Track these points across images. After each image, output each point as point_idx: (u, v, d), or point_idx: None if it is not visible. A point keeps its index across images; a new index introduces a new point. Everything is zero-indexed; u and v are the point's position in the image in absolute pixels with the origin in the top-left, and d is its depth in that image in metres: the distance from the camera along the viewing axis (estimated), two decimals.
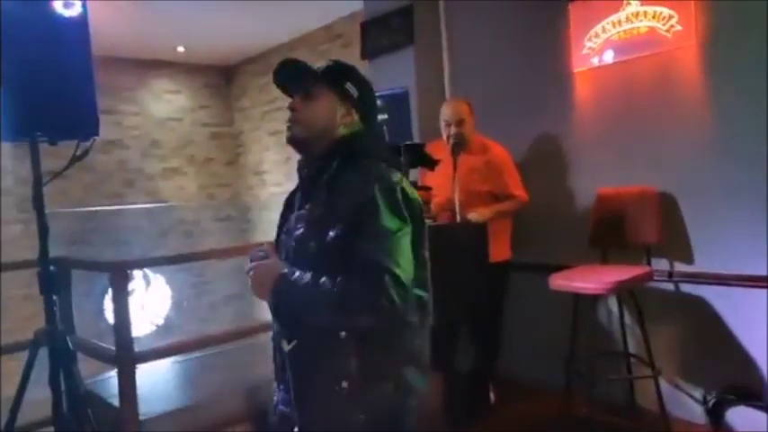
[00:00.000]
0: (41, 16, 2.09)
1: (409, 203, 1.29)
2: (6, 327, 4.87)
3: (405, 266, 1.21)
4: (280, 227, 1.48)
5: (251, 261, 1.35)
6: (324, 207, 1.29)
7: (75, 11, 2.16)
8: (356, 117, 1.41)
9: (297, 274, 1.24)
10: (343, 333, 1.25)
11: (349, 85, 1.40)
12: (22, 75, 2.06)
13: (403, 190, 1.29)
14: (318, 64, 1.41)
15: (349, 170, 1.31)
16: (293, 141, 1.39)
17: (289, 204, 1.48)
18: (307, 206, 1.35)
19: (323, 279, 1.20)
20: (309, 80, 1.39)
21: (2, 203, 5.12)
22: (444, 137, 3.10)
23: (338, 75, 1.41)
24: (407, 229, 1.26)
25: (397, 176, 1.32)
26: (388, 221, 1.22)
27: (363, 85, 1.43)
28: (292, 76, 1.42)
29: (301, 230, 1.33)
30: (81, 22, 2.19)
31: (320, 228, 1.27)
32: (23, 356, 2.19)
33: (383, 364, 1.29)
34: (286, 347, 1.32)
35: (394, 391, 1.29)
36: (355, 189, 1.26)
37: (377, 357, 1.28)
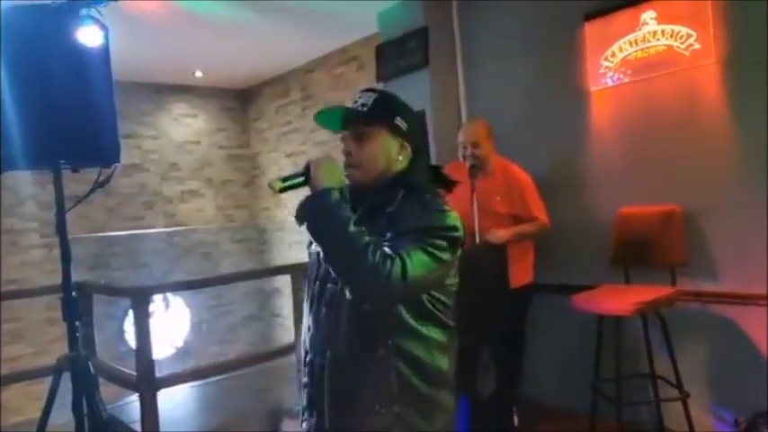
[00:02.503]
0: (66, 47, 2.13)
1: (457, 243, 1.30)
2: (30, 351, 4.94)
3: (418, 277, 1.20)
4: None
5: None
6: (383, 234, 1.28)
7: (97, 42, 2.20)
8: (409, 150, 1.39)
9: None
10: (381, 351, 1.27)
11: (398, 119, 1.37)
12: (47, 104, 2.10)
13: (456, 228, 1.31)
14: (362, 98, 1.38)
15: (411, 203, 1.32)
16: (356, 186, 1.37)
17: None
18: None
19: (361, 231, 1.20)
20: (359, 122, 1.36)
21: (25, 228, 5.21)
22: (461, 158, 3.09)
23: (387, 111, 1.38)
24: (445, 260, 1.27)
25: (454, 215, 1.33)
26: (429, 240, 1.24)
27: (411, 115, 1.41)
28: (337, 118, 1.40)
29: None
30: (103, 53, 2.23)
31: None
32: (47, 380, 2.21)
33: (421, 386, 1.31)
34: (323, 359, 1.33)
35: (431, 413, 1.33)
36: (417, 216, 1.28)
37: (414, 379, 1.30)
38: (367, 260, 1.16)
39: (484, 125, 3.15)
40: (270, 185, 1.29)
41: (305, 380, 1.41)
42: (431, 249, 1.23)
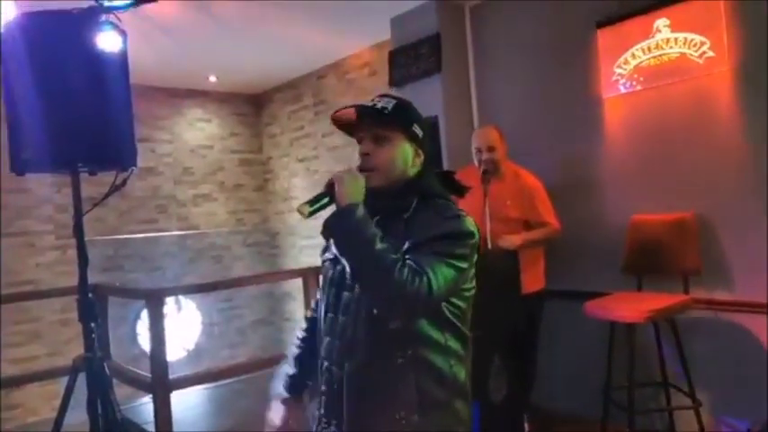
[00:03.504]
0: (85, 53, 2.16)
1: (474, 248, 1.33)
2: (45, 351, 5.00)
3: (443, 291, 1.24)
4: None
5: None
6: (400, 240, 1.29)
7: (116, 48, 2.23)
8: (422, 157, 1.41)
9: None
10: (400, 360, 1.29)
11: (415, 127, 1.40)
12: (66, 109, 2.13)
13: (472, 234, 1.33)
14: (381, 102, 1.39)
15: (426, 209, 1.34)
16: (373, 190, 1.36)
17: None
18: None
19: (387, 247, 1.22)
20: (380, 123, 1.37)
21: (41, 230, 5.28)
22: (476, 163, 3.11)
23: (406, 117, 1.40)
24: (465, 268, 1.29)
25: (469, 219, 1.34)
26: (449, 249, 1.27)
27: (425, 124, 1.44)
28: (359, 119, 1.39)
29: None
30: (121, 58, 2.27)
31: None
32: (63, 381, 2.23)
33: (439, 394, 1.32)
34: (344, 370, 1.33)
35: (448, 423, 1.33)
36: (434, 223, 1.30)
37: (433, 388, 1.31)
38: (395, 278, 1.18)
39: (498, 130, 3.17)
40: (299, 211, 1.29)
41: (323, 388, 1.42)
42: (452, 261, 1.26)
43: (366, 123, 1.38)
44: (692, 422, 2.77)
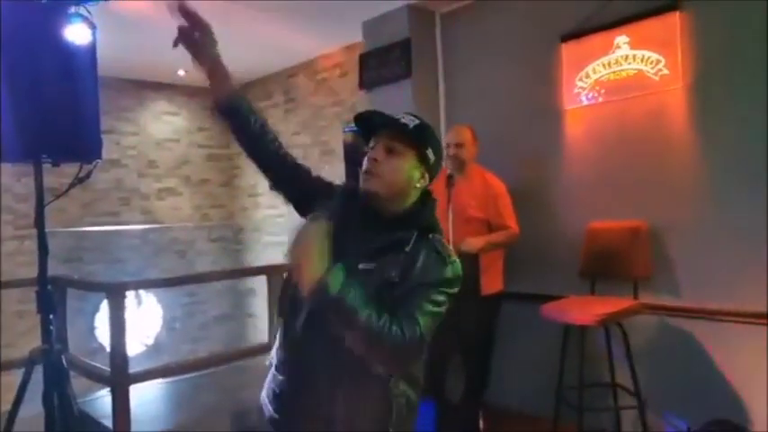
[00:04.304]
0: (54, 44, 2.15)
1: (455, 292, 1.38)
2: (2, 342, 4.86)
3: (430, 331, 1.30)
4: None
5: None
6: (397, 269, 1.33)
7: (85, 40, 2.22)
8: (426, 180, 1.45)
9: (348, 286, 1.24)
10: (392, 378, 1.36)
11: (429, 150, 1.42)
12: (31, 99, 2.12)
13: (459, 279, 1.38)
14: (404, 119, 1.42)
15: (426, 247, 1.37)
16: (368, 193, 1.40)
17: (340, 223, 1.36)
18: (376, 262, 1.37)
19: (371, 312, 1.23)
20: (398, 136, 1.40)
21: (1, 221, 5.15)
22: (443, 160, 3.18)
23: (424, 138, 1.43)
24: (444, 310, 1.35)
25: (458, 264, 1.38)
26: (442, 296, 1.33)
27: (439, 150, 1.46)
28: (380, 125, 1.43)
29: (366, 271, 1.33)
30: (90, 51, 2.26)
31: (389, 282, 1.32)
32: (18, 373, 2.21)
33: (411, 395, 1.42)
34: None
35: (404, 408, 1.41)
36: (432, 268, 1.34)
37: (406, 393, 1.41)
38: (386, 339, 1.22)
39: (471, 130, 3.26)
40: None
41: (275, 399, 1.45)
42: (437, 308, 1.31)
43: (384, 132, 1.42)
44: (637, 421, 2.91)
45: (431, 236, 1.40)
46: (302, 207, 1.54)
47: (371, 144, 1.43)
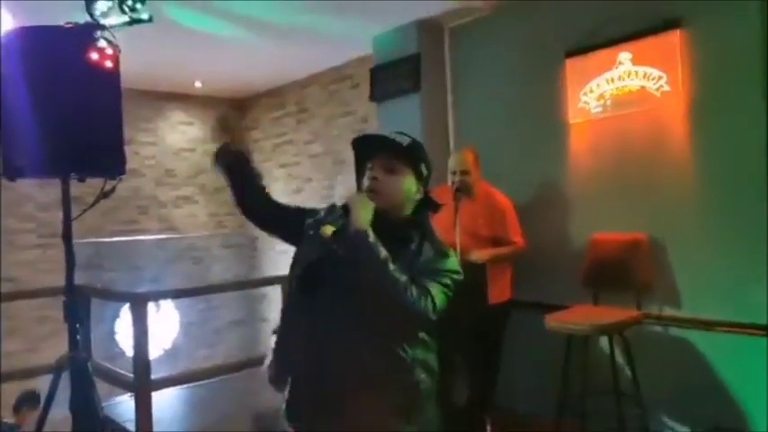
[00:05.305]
0: (78, 66, 2.27)
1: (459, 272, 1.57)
2: (24, 347, 5.02)
3: (441, 309, 1.49)
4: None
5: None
6: (407, 265, 1.50)
7: (109, 62, 2.35)
8: (422, 193, 1.63)
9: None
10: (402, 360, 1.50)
11: (423, 166, 1.60)
12: (59, 119, 2.24)
13: (459, 271, 1.58)
14: (397, 138, 1.58)
15: (428, 246, 1.58)
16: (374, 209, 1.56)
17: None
18: None
19: (396, 268, 1.45)
20: (394, 155, 1.57)
21: (22, 228, 5.31)
22: (450, 184, 3.28)
23: (418, 155, 1.60)
24: (452, 295, 1.54)
25: (455, 258, 1.60)
26: (447, 279, 1.53)
27: (429, 167, 1.64)
28: (376, 147, 1.60)
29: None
30: (114, 72, 2.39)
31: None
32: (42, 379, 2.32)
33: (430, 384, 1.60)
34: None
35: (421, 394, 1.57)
36: (435, 260, 1.55)
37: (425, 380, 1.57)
38: (407, 295, 1.42)
39: (472, 153, 3.36)
40: (323, 232, 1.50)
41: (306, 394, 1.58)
42: (444, 288, 1.51)
43: (383, 153, 1.58)
44: (640, 429, 2.97)
45: (430, 236, 1.60)
46: (293, 238, 1.73)
47: (369, 165, 1.60)
